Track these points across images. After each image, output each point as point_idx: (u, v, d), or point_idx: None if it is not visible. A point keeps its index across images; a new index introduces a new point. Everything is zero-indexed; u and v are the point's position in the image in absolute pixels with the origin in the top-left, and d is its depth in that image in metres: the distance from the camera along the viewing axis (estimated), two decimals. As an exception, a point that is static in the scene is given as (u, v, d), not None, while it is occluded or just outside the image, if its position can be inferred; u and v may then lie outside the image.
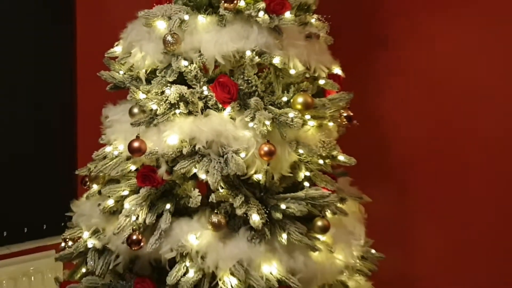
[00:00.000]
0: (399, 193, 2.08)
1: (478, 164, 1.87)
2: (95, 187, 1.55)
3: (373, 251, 1.71)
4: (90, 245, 1.45)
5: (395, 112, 2.07)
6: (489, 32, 1.80)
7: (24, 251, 2.09)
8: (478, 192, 1.87)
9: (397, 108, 2.07)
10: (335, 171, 1.64)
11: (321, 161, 1.45)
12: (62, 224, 2.19)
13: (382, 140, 2.11)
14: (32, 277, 2.06)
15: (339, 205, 1.50)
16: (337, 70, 1.61)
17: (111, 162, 1.43)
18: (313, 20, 1.56)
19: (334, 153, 1.52)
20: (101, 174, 1.47)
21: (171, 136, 1.32)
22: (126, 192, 1.40)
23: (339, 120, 1.56)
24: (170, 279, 1.29)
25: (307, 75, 1.48)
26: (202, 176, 1.31)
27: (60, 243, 2.06)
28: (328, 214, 1.47)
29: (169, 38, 1.34)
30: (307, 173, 1.45)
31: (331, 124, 1.58)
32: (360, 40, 2.14)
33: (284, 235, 1.34)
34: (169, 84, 1.37)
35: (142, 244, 1.31)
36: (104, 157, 1.47)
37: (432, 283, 2.03)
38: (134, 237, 1.30)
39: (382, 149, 2.11)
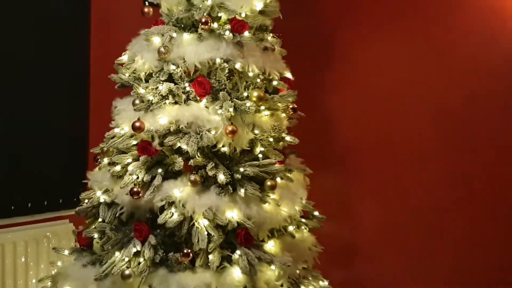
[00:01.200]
0: (343, 172, 2.61)
1: (407, 147, 2.38)
2: (105, 160, 2.07)
3: (316, 213, 2.24)
4: (101, 200, 1.96)
5: (340, 109, 2.62)
6: (419, 46, 2.31)
7: (44, 219, 2.59)
8: (408, 171, 2.38)
9: (341, 105, 2.61)
10: (285, 151, 2.18)
11: (271, 139, 1.99)
12: (75, 199, 2.70)
13: (330, 130, 2.65)
14: (50, 239, 2.56)
15: (287, 174, 2.04)
16: (288, 74, 2.16)
17: (119, 139, 1.95)
18: (269, 37, 2.11)
19: (283, 135, 2.07)
20: (111, 148, 1.99)
21: (162, 118, 1.85)
22: (129, 160, 1.92)
23: (287, 111, 2.10)
24: (160, 219, 1.80)
25: (262, 78, 2.02)
26: (184, 146, 1.83)
27: (72, 214, 2.58)
28: (278, 180, 2.01)
29: (162, 49, 1.88)
30: (262, 149, 1.97)
31: (283, 114, 2.13)
32: (312, 51, 2.70)
33: (242, 190, 1.86)
34: (161, 82, 1.91)
35: (140, 195, 1.82)
36: (113, 136, 1.99)
37: (369, 245, 2.55)
38: (135, 189, 1.81)
39: (330, 137, 2.65)
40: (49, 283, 2.10)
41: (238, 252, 1.83)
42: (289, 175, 2.04)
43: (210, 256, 1.83)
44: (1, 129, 2.45)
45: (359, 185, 2.55)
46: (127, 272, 1.78)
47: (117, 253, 1.84)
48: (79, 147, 2.70)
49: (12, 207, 2.52)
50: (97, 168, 2.12)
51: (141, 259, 1.82)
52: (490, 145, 2.09)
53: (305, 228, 2.17)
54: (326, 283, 2.26)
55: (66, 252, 2.07)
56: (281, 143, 2.10)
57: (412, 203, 2.36)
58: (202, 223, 1.82)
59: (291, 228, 2.10)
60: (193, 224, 1.82)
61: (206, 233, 1.81)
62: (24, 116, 2.51)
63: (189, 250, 1.82)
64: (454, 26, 2.16)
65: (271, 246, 1.99)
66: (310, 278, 2.16)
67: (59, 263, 2.13)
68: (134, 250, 1.81)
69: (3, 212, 2.48)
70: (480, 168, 2.11)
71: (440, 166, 2.26)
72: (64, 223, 2.63)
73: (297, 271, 2.10)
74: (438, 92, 2.25)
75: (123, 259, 1.81)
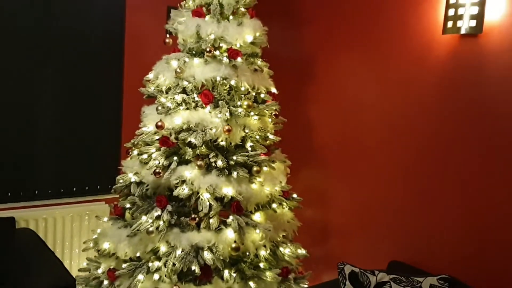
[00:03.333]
0: (318, 163, 3.26)
1: (366, 143, 2.97)
2: (135, 152, 2.77)
3: (294, 195, 2.90)
4: (132, 180, 2.64)
5: (315, 115, 3.27)
6: (375, 66, 2.90)
7: (85, 201, 3.31)
8: (367, 163, 2.98)
9: (316, 112, 3.27)
10: (271, 147, 2.85)
11: (258, 137, 2.66)
12: (109, 186, 3.41)
13: (308, 131, 3.31)
14: (90, 216, 3.27)
15: (270, 163, 2.71)
16: (273, 89, 2.83)
17: (145, 135, 2.65)
18: (259, 62, 2.80)
19: (268, 134, 2.75)
20: (140, 142, 2.69)
21: (177, 120, 2.54)
22: (153, 150, 2.60)
23: (272, 117, 2.78)
24: (175, 193, 2.47)
25: (252, 92, 2.70)
26: (193, 140, 2.51)
27: (107, 197, 3.29)
28: (265, 168, 2.68)
29: (178, 70, 2.58)
30: (251, 144, 2.65)
31: (269, 119, 2.81)
32: (294, 72, 3.38)
33: (235, 173, 2.53)
34: (177, 94, 2.61)
35: (161, 175, 2.51)
36: (142, 133, 2.69)
37: (340, 224, 3.18)
38: (157, 170, 2.50)
39: (308, 137, 3.31)
40: (91, 244, 2.81)
41: (231, 217, 2.50)
42: (272, 164, 2.72)
43: (211, 220, 2.49)
44: (55, 133, 3.19)
45: (331, 174, 3.19)
46: (150, 229, 2.45)
47: (143, 217, 2.51)
48: (113, 146, 3.42)
49: (62, 190, 3.25)
50: (128, 158, 2.82)
51: (161, 222, 2.48)
52: (428, 137, 2.65)
53: (286, 206, 2.83)
54: (304, 251, 2.90)
55: (105, 219, 2.77)
56: (268, 141, 2.77)
57: (370, 187, 2.97)
58: (205, 196, 2.47)
59: (274, 205, 2.77)
60: (199, 197, 2.48)
61: (208, 203, 2.47)
62: (70, 122, 3.24)
63: (196, 216, 2.49)
64: (399, 52, 2.81)
65: (257, 217, 2.65)
66: (288, 244, 2.81)
67: (98, 230, 2.83)
68: (156, 214, 2.48)
69: (55, 194, 3.21)
70: (418, 158, 2.72)
71: (390, 157, 2.85)
72: (101, 204, 3.34)
73: (278, 238, 2.76)
74: (387, 102, 2.85)
75: (148, 221, 2.49)
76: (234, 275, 2.54)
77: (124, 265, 2.54)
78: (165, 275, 2.46)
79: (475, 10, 2.28)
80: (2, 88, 2.97)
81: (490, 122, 2.30)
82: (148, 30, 3.41)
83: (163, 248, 2.49)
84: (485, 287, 2.21)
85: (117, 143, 3.42)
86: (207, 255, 2.43)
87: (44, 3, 3.03)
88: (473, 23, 2.28)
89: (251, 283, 2.53)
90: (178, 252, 2.44)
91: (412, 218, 2.70)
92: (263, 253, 2.64)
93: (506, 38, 2.21)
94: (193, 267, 2.41)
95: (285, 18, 3.51)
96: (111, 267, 2.65)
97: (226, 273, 2.52)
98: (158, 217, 2.49)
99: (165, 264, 2.45)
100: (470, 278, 2.28)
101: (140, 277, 2.47)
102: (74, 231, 3.23)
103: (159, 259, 2.50)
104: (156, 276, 2.46)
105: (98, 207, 3.31)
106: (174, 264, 2.42)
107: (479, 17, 2.27)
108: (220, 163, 2.51)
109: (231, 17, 2.67)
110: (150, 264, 2.50)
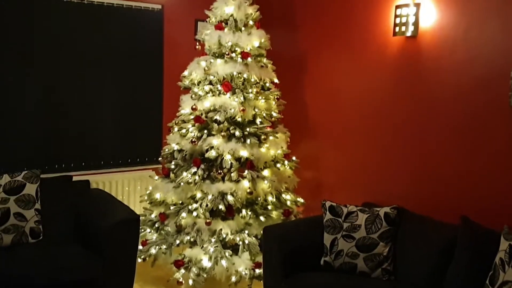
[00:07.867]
0: (312, 135, 4.24)
1: (348, 120, 3.95)
2: (176, 128, 3.80)
3: (294, 158, 3.90)
4: (175, 148, 3.67)
5: (310, 98, 4.26)
6: (348, 61, 3.79)
7: (137, 169, 4.34)
8: (347, 133, 3.97)
9: (311, 96, 4.25)
10: (276, 122, 3.85)
11: (264, 115, 3.67)
12: (154, 158, 4.46)
13: (304, 111, 4.29)
14: (141, 180, 4.32)
15: (274, 134, 3.71)
16: (275, 80, 3.83)
17: (184, 116, 3.69)
18: (264, 60, 3.80)
19: (272, 113, 3.75)
20: (179, 121, 3.72)
21: (206, 103, 3.56)
22: (190, 126, 3.63)
23: (275, 100, 3.79)
24: (206, 155, 3.50)
25: (260, 82, 3.70)
26: (218, 118, 3.53)
27: (153, 166, 4.34)
28: (270, 137, 3.68)
29: (206, 68, 3.60)
30: (260, 120, 3.65)
31: (273, 102, 3.81)
32: (291, 66, 4.37)
33: (248, 140, 3.52)
34: (206, 85, 3.63)
35: (196, 143, 3.53)
36: (181, 114, 3.73)
37: (328, 178, 4.16)
38: (193, 140, 3.53)
39: (304, 115, 4.30)
40: (146, 197, 3.85)
41: (246, 172, 3.50)
42: (275, 134, 3.71)
43: (232, 174, 3.49)
44: (115, 121, 4.25)
45: (320, 142, 4.16)
46: (190, 181, 3.49)
47: (184, 173, 3.54)
48: (157, 128, 4.46)
49: (120, 161, 4.30)
50: (171, 134, 3.85)
51: (197, 176, 3.50)
52: (385, 110, 3.60)
53: (287, 165, 3.82)
54: (302, 200, 3.90)
55: (156, 177, 3.82)
56: (272, 118, 3.78)
57: (348, 150, 3.91)
58: (228, 157, 3.48)
59: (278, 165, 3.77)
60: (223, 158, 3.49)
61: (230, 162, 3.48)
62: (125, 111, 4.30)
63: (221, 171, 3.51)
64: (364, 50, 3.75)
65: (265, 172, 3.66)
66: (289, 193, 3.82)
67: (150, 187, 3.87)
68: (193, 171, 3.50)
69: (115, 164, 4.27)
70: (380, 126, 3.66)
71: (361, 127, 3.77)
72: (148, 171, 4.39)
73: (281, 188, 3.76)
74: (357, 87, 3.80)
75: (187, 176, 3.51)
76: (250, 213, 3.56)
77: (171, 207, 3.59)
78: (201, 213, 3.48)
79: (413, 19, 3.24)
80: (78, 90, 4.04)
81: (425, 95, 3.25)
82: (181, 39, 4.43)
83: (198, 195, 3.52)
84: (422, 212, 3.16)
85: (159, 125, 4.45)
86: (230, 198, 3.43)
87: (100, 25, 4.09)
88: (412, 28, 3.24)
89: (261, 218, 3.55)
90: (210, 196, 3.46)
91: (377, 171, 3.67)
92: (270, 198, 3.65)
93: (433, 38, 3.17)
94: (220, 207, 3.42)
95: (283, 26, 4.49)
96: (161, 212, 3.70)
97: (243, 211, 3.54)
98: (194, 173, 3.52)
99: (200, 205, 3.48)
100: (413, 207, 3.24)
101: (183, 214, 3.51)
102: (130, 191, 4.29)
103: (196, 202, 3.53)
104: (194, 214, 3.50)
105: (146, 173, 4.36)
106: (207, 205, 3.44)
107: (416, 24, 3.23)
108: (237, 133, 3.52)
109: (243, 28, 3.67)
110: (190, 206, 3.53)
